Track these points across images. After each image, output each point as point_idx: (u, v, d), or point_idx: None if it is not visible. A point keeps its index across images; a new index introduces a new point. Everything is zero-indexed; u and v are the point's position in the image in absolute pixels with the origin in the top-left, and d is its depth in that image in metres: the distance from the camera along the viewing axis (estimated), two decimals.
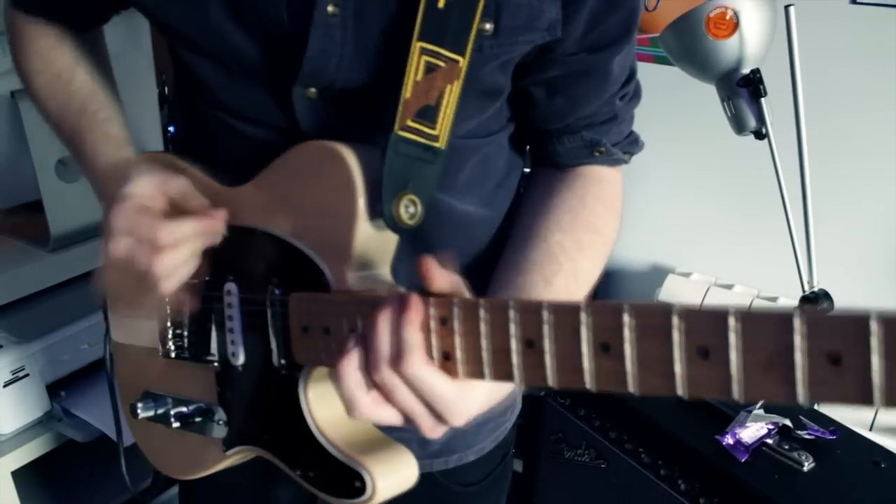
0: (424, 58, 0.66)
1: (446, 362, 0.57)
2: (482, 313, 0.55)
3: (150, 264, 0.70)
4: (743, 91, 1.32)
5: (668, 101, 1.70)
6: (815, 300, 1.31)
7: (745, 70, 1.32)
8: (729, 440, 1.31)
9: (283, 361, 0.72)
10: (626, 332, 0.48)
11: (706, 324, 0.46)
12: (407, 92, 0.66)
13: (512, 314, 0.54)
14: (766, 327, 0.45)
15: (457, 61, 0.67)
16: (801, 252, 1.31)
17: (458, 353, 0.56)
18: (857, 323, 0.41)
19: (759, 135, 1.34)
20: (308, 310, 0.68)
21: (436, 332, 0.57)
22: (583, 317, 0.50)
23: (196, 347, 0.82)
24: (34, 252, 1.53)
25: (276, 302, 0.71)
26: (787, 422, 1.34)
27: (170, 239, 0.71)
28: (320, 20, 0.67)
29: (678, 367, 0.47)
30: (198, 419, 0.82)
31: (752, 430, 1.32)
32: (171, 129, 1.95)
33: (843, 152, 1.65)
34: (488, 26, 0.68)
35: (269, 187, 0.74)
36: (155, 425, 0.85)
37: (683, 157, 1.87)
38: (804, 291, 1.32)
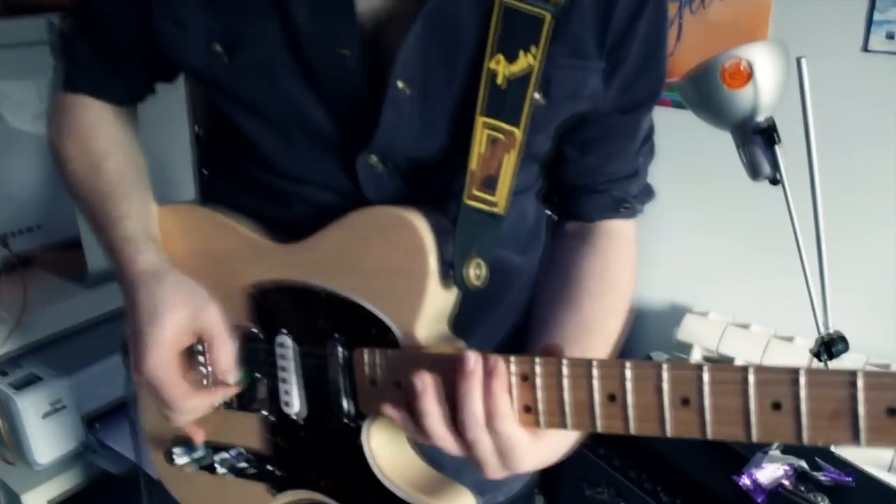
0: (487, 131, 0.71)
1: (526, 414, 0.63)
2: (564, 370, 0.61)
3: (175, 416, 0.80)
4: (757, 138, 1.35)
5: (686, 143, 1.74)
6: (830, 343, 1.33)
7: (760, 118, 1.36)
8: (746, 481, 1.33)
9: (346, 411, 0.75)
10: (706, 388, 0.56)
11: (778, 380, 0.54)
12: (473, 164, 0.71)
13: (595, 372, 0.60)
14: (832, 383, 0.52)
15: (513, 132, 0.72)
16: (815, 295, 1.34)
17: (540, 406, 0.63)
18: None
19: (774, 181, 1.38)
20: (376, 364, 0.72)
21: (517, 388, 0.63)
22: (664, 375, 0.57)
23: (244, 397, 0.84)
24: (72, 288, 1.60)
25: (340, 356, 0.75)
26: (804, 463, 1.36)
27: (191, 412, 0.79)
28: (392, 95, 0.72)
29: (754, 418, 0.54)
30: (242, 465, 0.85)
31: (769, 472, 1.34)
32: (204, 171, 2.02)
33: (857, 196, 1.67)
34: (539, 98, 0.73)
35: (330, 247, 0.77)
36: (186, 468, 0.88)
37: (701, 198, 1.89)
38: (819, 333, 1.34)
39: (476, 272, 0.72)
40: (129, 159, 0.92)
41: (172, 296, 0.78)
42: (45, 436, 1.45)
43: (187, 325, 0.78)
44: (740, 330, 1.84)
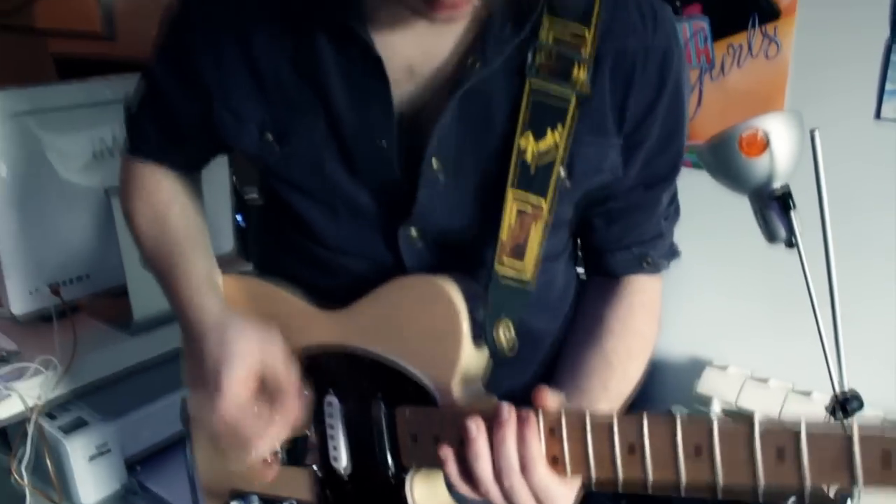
0: (516, 204, 0.78)
1: (554, 465, 0.70)
2: (588, 424, 0.68)
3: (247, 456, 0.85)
4: (774, 204, 1.40)
5: (707, 201, 1.80)
6: (845, 401, 1.37)
7: (776, 185, 1.41)
8: None
9: (390, 466, 0.81)
10: (716, 439, 0.63)
11: (781, 431, 0.61)
12: (503, 234, 0.78)
13: (616, 425, 0.67)
14: (830, 435, 0.59)
15: (541, 204, 0.79)
16: (830, 353, 1.38)
17: (567, 457, 0.69)
18: None
19: (790, 244, 1.43)
20: (417, 421, 0.78)
21: (545, 441, 0.69)
22: (678, 427, 0.64)
23: (294, 453, 0.91)
24: (118, 335, 1.67)
25: (383, 414, 0.81)
26: None
27: (263, 449, 0.84)
28: (428, 173, 0.79)
29: (760, 466, 0.61)
30: None
31: None
32: (238, 217, 2.11)
33: (870, 258, 1.71)
34: (565, 172, 0.80)
35: (371, 313, 0.84)
36: None
37: (722, 254, 1.93)
38: (835, 391, 1.38)
39: (506, 334, 0.79)
40: (192, 219, 1.00)
41: (240, 343, 0.85)
42: (91, 478, 1.51)
43: (255, 367, 0.84)
44: (759, 384, 1.87)
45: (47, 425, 1.52)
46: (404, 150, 0.80)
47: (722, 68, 1.82)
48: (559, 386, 0.87)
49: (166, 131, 0.96)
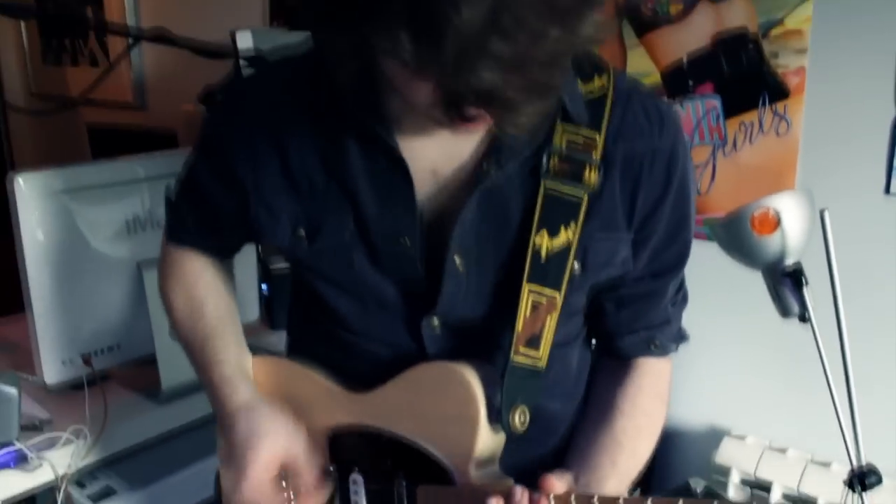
0: (531, 297, 0.83)
1: None
2: None
3: None
4: (786, 280, 1.43)
5: (722, 274, 1.83)
6: (862, 476, 1.37)
7: (788, 262, 1.44)
8: None
9: None
10: None
11: None
12: (519, 326, 0.83)
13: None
14: None
15: (554, 296, 0.84)
16: (847, 427, 1.39)
17: None
18: None
19: (803, 318, 1.45)
20: (436, 499, 0.83)
21: None
22: None
23: None
24: (146, 403, 1.70)
25: (404, 492, 0.86)
26: None
27: None
28: (451, 269, 0.85)
29: None
30: None
31: None
32: (264, 286, 2.16)
33: (884, 332, 1.73)
34: (577, 266, 0.85)
35: (395, 397, 0.88)
36: None
37: (739, 325, 1.94)
38: (852, 466, 1.39)
39: (521, 419, 0.84)
40: (226, 306, 1.05)
41: (266, 427, 0.91)
42: None
43: (279, 452, 0.90)
44: (777, 454, 1.87)
45: (76, 494, 1.55)
46: (427, 247, 0.85)
47: (734, 145, 1.87)
48: (571, 463, 0.90)
49: (205, 222, 1.02)
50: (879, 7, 1.66)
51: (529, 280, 0.84)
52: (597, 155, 0.84)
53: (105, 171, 1.69)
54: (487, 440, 0.83)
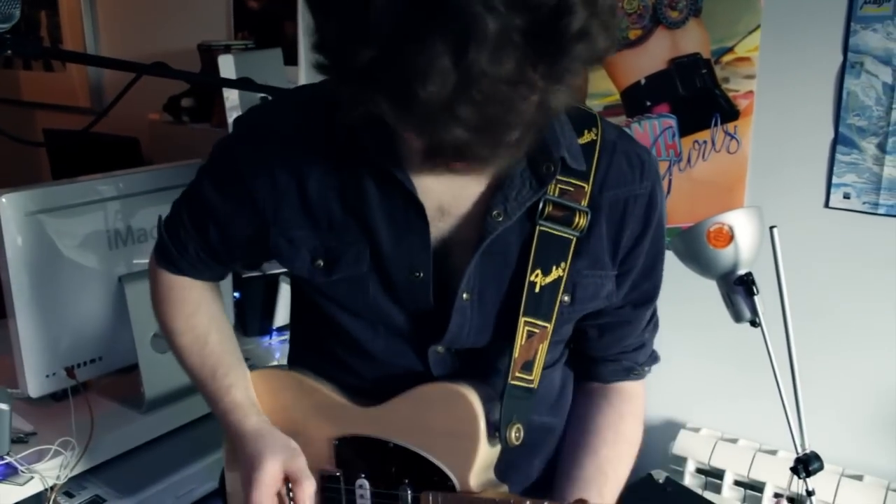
0: (527, 327, 0.91)
1: None
2: None
3: None
4: (739, 289, 1.54)
5: (678, 284, 1.93)
6: (807, 461, 1.49)
7: (741, 272, 1.55)
8: None
9: None
10: None
11: None
12: (516, 353, 0.91)
13: None
14: None
15: (546, 326, 0.92)
16: (792, 418, 1.51)
17: None
18: None
19: (754, 323, 1.57)
20: None
21: None
22: None
23: None
24: (129, 413, 1.72)
25: (409, 498, 0.94)
26: None
27: None
28: (459, 304, 0.92)
29: None
30: None
31: None
32: (236, 294, 2.20)
33: (825, 332, 1.87)
34: (566, 299, 0.94)
35: (402, 411, 0.96)
36: None
37: (695, 330, 2.03)
38: (797, 453, 1.51)
39: (517, 434, 0.92)
40: (227, 332, 1.10)
41: (270, 448, 0.99)
42: None
43: (277, 474, 0.98)
44: (729, 444, 2.00)
45: None
46: (436, 281, 0.92)
47: (689, 161, 1.99)
48: (561, 492, 1.00)
49: (210, 250, 1.05)
50: (820, 39, 1.79)
51: (525, 313, 0.91)
52: (585, 202, 0.92)
53: (79, 191, 1.69)
54: (486, 453, 0.92)
